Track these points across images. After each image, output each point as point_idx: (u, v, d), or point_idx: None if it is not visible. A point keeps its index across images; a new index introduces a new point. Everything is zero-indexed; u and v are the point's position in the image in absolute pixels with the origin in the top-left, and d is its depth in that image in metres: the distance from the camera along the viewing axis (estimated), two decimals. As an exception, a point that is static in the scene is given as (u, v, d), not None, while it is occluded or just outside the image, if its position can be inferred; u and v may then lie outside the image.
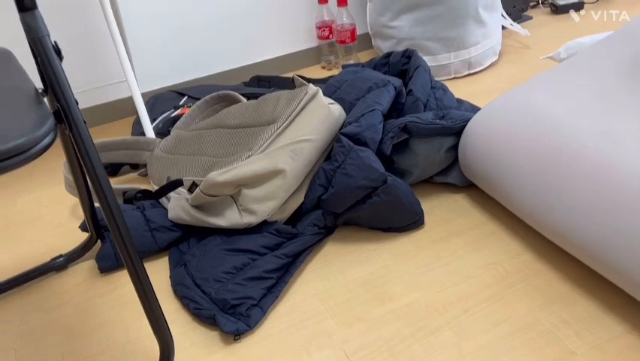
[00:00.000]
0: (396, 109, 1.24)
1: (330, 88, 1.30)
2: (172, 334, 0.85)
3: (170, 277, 1.05)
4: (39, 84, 0.75)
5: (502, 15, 1.84)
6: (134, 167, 1.43)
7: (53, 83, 0.68)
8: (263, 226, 1.06)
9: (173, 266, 1.07)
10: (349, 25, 1.85)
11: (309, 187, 1.10)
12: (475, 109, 1.32)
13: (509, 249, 1.03)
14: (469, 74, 1.75)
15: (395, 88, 1.20)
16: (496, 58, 1.80)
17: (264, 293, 0.96)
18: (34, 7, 0.66)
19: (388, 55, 1.41)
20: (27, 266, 1.12)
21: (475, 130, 1.10)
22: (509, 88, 1.50)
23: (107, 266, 1.10)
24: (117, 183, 1.41)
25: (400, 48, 1.72)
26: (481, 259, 1.02)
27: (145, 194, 1.20)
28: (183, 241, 1.13)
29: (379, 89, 1.19)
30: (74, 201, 1.36)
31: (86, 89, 1.63)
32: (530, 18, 2.12)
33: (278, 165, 1.03)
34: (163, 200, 1.18)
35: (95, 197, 0.87)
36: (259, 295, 0.96)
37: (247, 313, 0.93)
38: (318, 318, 0.94)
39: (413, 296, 0.95)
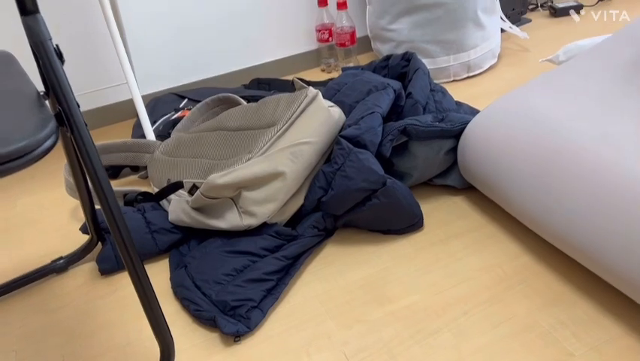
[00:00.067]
0: (395, 112, 1.24)
1: (329, 91, 1.31)
2: (172, 335, 0.86)
3: (171, 279, 1.05)
4: (40, 87, 0.75)
5: (501, 18, 1.85)
6: (135, 169, 1.43)
7: (55, 86, 0.68)
8: (263, 228, 1.07)
9: (174, 268, 1.07)
10: (349, 28, 1.86)
11: (308, 189, 1.11)
12: (474, 111, 1.33)
13: (508, 251, 1.03)
14: (469, 77, 1.76)
15: (394, 91, 1.21)
16: (495, 60, 1.80)
17: (264, 295, 0.97)
18: (36, 10, 0.67)
19: (388, 58, 1.41)
20: (27, 268, 1.13)
21: (474, 132, 1.10)
22: (508, 90, 1.50)
23: (107, 268, 1.10)
24: (118, 185, 1.41)
25: (400, 51, 1.73)
26: (480, 261, 1.02)
27: (145, 196, 1.20)
28: (183, 243, 1.13)
29: (379, 92, 1.20)
30: (75, 203, 1.36)
31: (86, 92, 1.64)
32: (529, 21, 2.13)
33: (278, 167, 1.04)
34: (163, 202, 1.18)
35: (95, 199, 0.87)
36: (259, 296, 0.96)
37: (247, 314, 0.93)
38: (318, 320, 0.94)
39: (412, 298, 0.96)
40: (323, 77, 1.91)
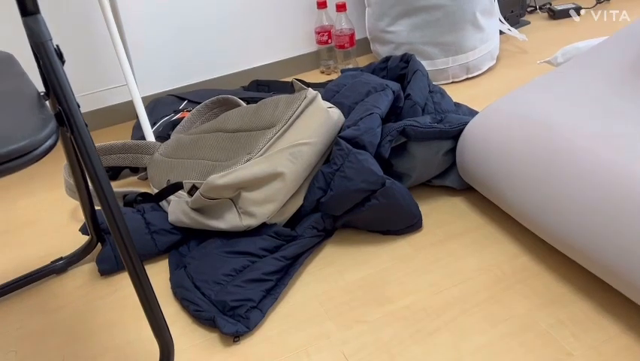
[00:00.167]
0: (394, 113, 1.24)
1: (329, 92, 1.31)
2: (172, 335, 0.86)
3: (170, 279, 1.05)
4: (41, 88, 0.76)
5: (500, 20, 1.85)
6: (134, 171, 1.44)
7: (55, 86, 0.69)
8: (262, 228, 1.07)
9: (173, 269, 1.07)
10: (348, 30, 1.86)
11: (308, 190, 1.11)
12: (472, 113, 1.33)
13: (507, 251, 1.04)
14: (467, 79, 1.76)
15: (393, 92, 1.21)
16: (494, 62, 1.81)
17: (263, 295, 0.97)
18: (36, 11, 0.67)
19: (387, 59, 1.42)
20: (27, 269, 1.13)
21: (472, 133, 1.11)
22: (507, 92, 1.51)
23: (107, 269, 1.10)
24: (117, 186, 1.42)
25: (399, 53, 1.73)
26: (479, 261, 1.02)
27: (145, 197, 1.21)
28: (183, 243, 1.13)
29: (378, 93, 1.20)
30: (74, 204, 1.36)
31: (86, 94, 1.64)
32: (528, 23, 2.14)
33: (277, 168, 1.04)
34: (163, 203, 1.18)
35: (95, 200, 0.87)
36: (258, 297, 0.96)
37: (246, 315, 0.93)
38: (317, 320, 0.94)
39: (412, 298, 0.96)
40: (322, 78, 1.92)
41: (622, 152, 0.88)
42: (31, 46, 0.68)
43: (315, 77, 1.95)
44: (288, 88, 1.75)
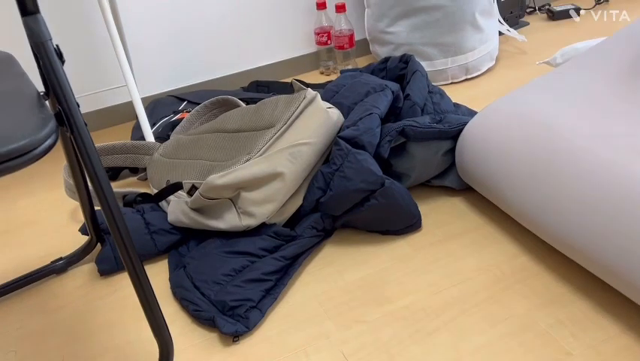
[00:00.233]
0: (393, 113, 1.25)
1: (328, 92, 1.31)
2: (171, 335, 0.86)
3: (170, 279, 1.06)
4: (41, 88, 0.76)
5: (499, 21, 1.85)
6: (134, 171, 1.44)
7: (55, 85, 0.69)
8: (262, 228, 1.07)
9: (173, 269, 1.08)
10: (347, 31, 1.86)
11: (307, 190, 1.11)
12: (472, 113, 1.33)
13: (506, 251, 1.04)
14: (467, 79, 1.76)
15: (393, 92, 1.21)
16: (493, 63, 1.81)
17: (262, 295, 0.97)
18: (36, 11, 0.67)
19: (386, 60, 1.42)
20: (27, 269, 1.13)
21: (472, 133, 1.11)
22: (506, 92, 1.51)
23: (106, 269, 1.10)
24: (117, 187, 1.42)
25: (398, 54, 1.73)
26: (479, 261, 1.02)
27: (145, 197, 1.21)
28: (183, 243, 1.13)
29: (377, 94, 1.20)
30: (74, 204, 1.37)
31: (86, 94, 1.64)
32: (527, 24, 2.14)
33: (277, 168, 1.04)
34: (162, 203, 1.18)
35: (95, 200, 0.87)
36: (258, 297, 0.96)
37: (246, 314, 0.93)
38: (317, 320, 0.94)
39: (411, 298, 0.96)
40: (322, 79, 1.92)
41: (621, 152, 0.88)
42: (31, 46, 0.68)
43: (315, 77, 1.95)
44: (288, 88, 1.75)
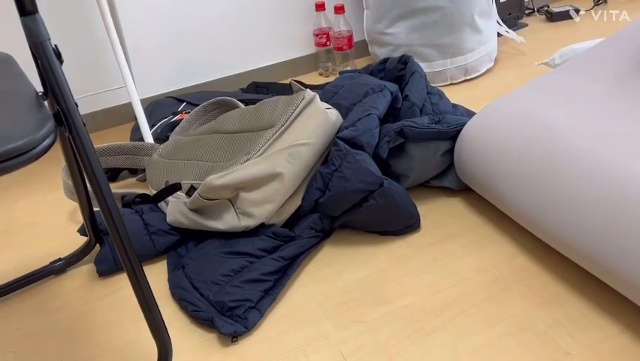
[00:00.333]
0: (392, 114, 1.25)
1: (327, 93, 1.32)
2: (170, 336, 0.86)
3: (169, 280, 1.06)
4: (39, 88, 0.76)
5: (498, 22, 1.86)
6: (133, 172, 1.44)
7: (53, 85, 0.69)
8: (260, 229, 1.07)
9: (172, 269, 1.08)
10: (346, 33, 1.87)
11: (306, 190, 1.11)
12: (470, 114, 1.34)
13: (505, 252, 1.04)
14: (466, 80, 1.77)
15: (391, 93, 1.22)
16: (492, 64, 1.81)
17: (261, 296, 0.97)
18: (35, 11, 0.67)
19: (385, 61, 1.42)
20: (26, 270, 1.13)
21: (470, 134, 1.11)
22: (505, 93, 1.51)
23: (105, 270, 1.10)
24: (116, 188, 1.42)
25: (397, 55, 1.74)
26: (477, 261, 1.02)
27: (143, 198, 1.21)
28: (181, 244, 1.13)
29: (375, 94, 1.20)
30: (73, 205, 1.37)
31: (85, 95, 1.64)
32: (526, 25, 2.14)
33: (276, 168, 1.04)
34: (161, 204, 1.18)
35: (93, 201, 0.87)
36: (257, 297, 0.96)
37: (245, 315, 0.93)
38: (316, 320, 0.94)
39: (410, 298, 0.96)
40: (321, 80, 1.92)
41: (621, 152, 0.88)
42: (30, 46, 0.68)
43: (314, 79, 1.95)
44: (287, 90, 1.76)
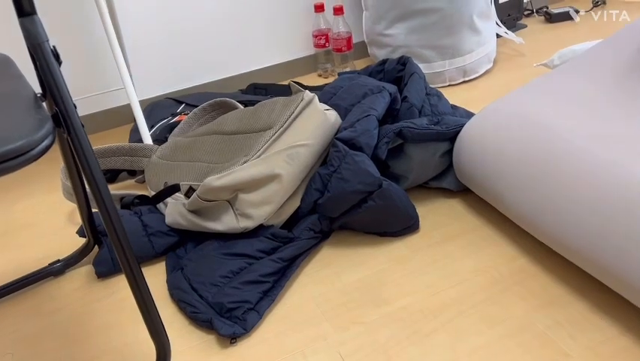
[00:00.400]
0: (391, 115, 1.25)
1: (325, 94, 1.32)
2: (169, 337, 0.86)
3: (167, 281, 1.05)
4: (38, 89, 0.76)
5: (497, 23, 1.86)
6: (132, 173, 1.44)
7: (52, 86, 0.69)
8: (259, 230, 1.07)
9: (170, 271, 1.07)
10: (345, 34, 1.87)
11: (305, 192, 1.11)
12: (469, 115, 1.34)
13: (504, 253, 1.04)
14: (464, 82, 1.77)
15: (390, 94, 1.21)
16: (490, 65, 1.81)
17: (260, 297, 0.97)
18: (33, 12, 0.67)
19: (384, 62, 1.42)
20: (25, 271, 1.13)
21: (469, 135, 1.11)
22: (504, 94, 1.51)
23: (104, 271, 1.10)
24: (115, 189, 1.41)
25: (396, 56, 1.74)
26: (476, 262, 1.02)
27: (142, 200, 1.21)
28: (180, 245, 1.13)
29: (374, 95, 1.20)
30: (71, 207, 1.36)
31: (83, 97, 1.64)
32: (525, 26, 2.14)
33: (274, 169, 1.04)
34: (160, 205, 1.18)
35: (92, 202, 0.87)
36: (255, 298, 0.96)
37: (243, 316, 0.93)
38: (314, 321, 0.94)
39: (408, 299, 0.96)
40: (320, 82, 1.92)
41: (620, 153, 0.88)
42: (28, 47, 0.68)
43: (313, 80, 1.95)
44: (286, 91, 1.76)
